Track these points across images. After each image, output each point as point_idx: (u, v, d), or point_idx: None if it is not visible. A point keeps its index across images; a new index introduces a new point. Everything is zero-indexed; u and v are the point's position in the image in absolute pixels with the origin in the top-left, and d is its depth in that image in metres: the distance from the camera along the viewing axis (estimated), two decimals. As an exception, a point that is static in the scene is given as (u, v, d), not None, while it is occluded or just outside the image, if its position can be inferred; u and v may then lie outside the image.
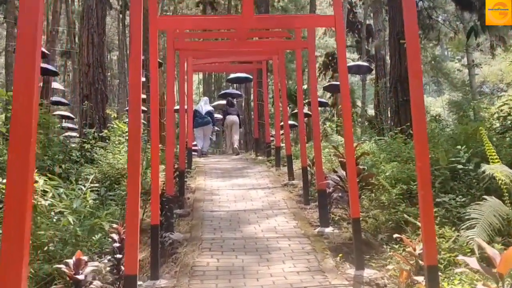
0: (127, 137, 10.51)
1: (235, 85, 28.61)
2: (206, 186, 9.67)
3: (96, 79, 10.82)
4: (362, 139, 11.28)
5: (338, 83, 20.05)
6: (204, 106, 14.11)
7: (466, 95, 12.69)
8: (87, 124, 10.65)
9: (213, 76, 37.08)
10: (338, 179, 6.15)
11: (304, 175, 8.26)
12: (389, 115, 18.69)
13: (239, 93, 21.78)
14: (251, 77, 16.53)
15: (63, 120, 20.56)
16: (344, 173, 6.09)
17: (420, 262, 4.52)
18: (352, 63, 20.92)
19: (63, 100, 17.47)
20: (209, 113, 14.03)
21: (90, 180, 8.30)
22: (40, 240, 4.28)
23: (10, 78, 18.92)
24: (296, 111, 17.91)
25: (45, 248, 4.34)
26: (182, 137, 8.30)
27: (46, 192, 4.70)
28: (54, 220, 4.61)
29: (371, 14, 33.25)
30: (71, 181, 7.83)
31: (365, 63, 19.47)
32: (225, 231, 6.66)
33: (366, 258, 5.50)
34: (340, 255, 5.59)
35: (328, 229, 6.56)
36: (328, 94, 27.17)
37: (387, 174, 7.04)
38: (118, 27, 31.47)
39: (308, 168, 8.59)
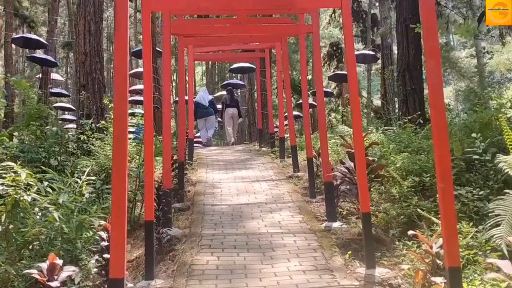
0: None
1: (238, 75, 28.23)
2: (208, 178, 9.31)
3: (93, 69, 10.44)
4: (369, 129, 10.86)
5: (343, 72, 19.67)
6: (205, 96, 13.84)
7: (477, 84, 12.23)
8: (84, 115, 10.29)
9: (216, 67, 36.65)
10: (346, 171, 5.77)
11: (309, 167, 7.88)
12: (396, 105, 18.28)
13: (242, 83, 21.38)
14: (254, 66, 16.14)
15: (66, 112, 20.26)
16: (352, 164, 5.71)
17: (438, 261, 4.15)
18: (357, 52, 20.43)
19: (63, 91, 17.12)
20: (211, 103, 13.77)
21: (86, 173, 8.00)
22: (24, 238, 3.93)
23: (9, 69, 18.58)
24: (300, 101, 17.54)
25: (30, 247, 4.00)
26: (182, 127, 7.92)
27: (31, 186, 4.35)
28: (38, 216, 4.25)
29: (376, 3, 32.74)
30: (67, 174, 7.51)
31: (371, 52, 19.00)
32: (226, 227, 6.30)
33: (377, 256, 5.12)
34: (349, 252, 5.22)
35: (336, 224, 6.18)
36: (333, 85, 26.69)
37: (397, 165, 6.65)
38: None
39: (314, 160, 8.21)
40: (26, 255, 4.01)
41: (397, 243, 5.40)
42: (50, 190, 4.66)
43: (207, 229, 6.17)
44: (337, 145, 10.37)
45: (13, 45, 22.42)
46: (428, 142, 7.61)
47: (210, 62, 35.77)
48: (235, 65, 18.33)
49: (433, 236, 4.27)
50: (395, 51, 22.62)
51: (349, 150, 5.60)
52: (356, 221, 6.09)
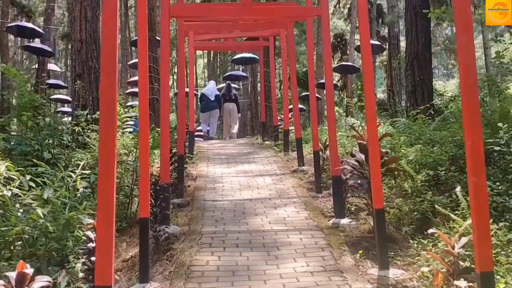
0: (123, 120, 9.85)
1: (240, 67, 27.78)
2: (209, 173, 8.93)
3: (89, 57, 10.03)
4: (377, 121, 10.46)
5: (349, 63, 19.17)
6: (213, 90, 13.66)
7: (484, 75, 11.80)
8: (80, 106, 9.90)
9: (218, 59, 36.17)
10: (357, 164, 5.37)
11: (315, 161, 7.50)
12: (403, 96, 17.83)
13: (245, 74, 20.95)
14: (257, 57, 15.70)
15: (65, 104, 19.85)
16: (363, 157, 5.31)
17: (461, 263, 3.76)
18: (363, 43, 20.00)
19: (60, 82, 16.73)
20: (217, 98, 13.61)
21: (81, 166, 7.64)
22: (5, 238, 3.57)
23: (6, 60, 18.18)
24: (303, 93, 17.12)
25: (12, 247, 3.63)
26: (182, 119, 7.52)
27: (14, 180, 3.97)
28: (20, 213, 3.86)
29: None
30: (60, 168, 7.16)
31: (377, 42, 18.52)
32: (228, 224, 5.92)
33: (390, 255, 4.74)
34: (360, 251, 4.84)
35: (344, 221, 5.80)
36: (336, 77, 26.23)
37: (409, 158, 6.25)
38: (120, 9, 30.47)
39: (320, 153, 7.83)
40: (7, 256, 3.64)
41: (411, 241, 5.03)
42: (34, 185, 4.27)
43: (208, 226, 5.80)
44: (343, 138, 9.99)
45: (13, 37, 22.12)
46: (441, 133, 7.21)
47: (212, 54, 35.32)
48: (237, 56, 17.87)
49: (455, 235, 3.88)
50: (402, 42, 22.17)
51: (361, 142, 5.20)
52: (366, 217, 5.71)
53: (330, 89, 6.40)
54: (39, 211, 3.66)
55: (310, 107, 8.50)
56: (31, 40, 17.85)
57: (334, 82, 21.22)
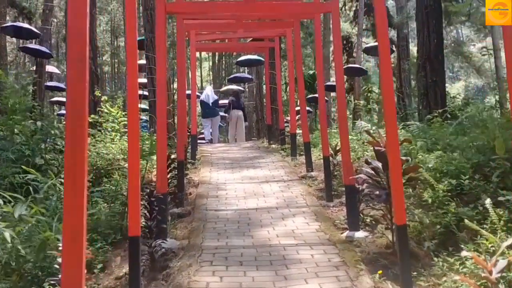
0: (121, 123, 9.39)
1: (246, 69, 27.34)
2: (212, 179, 8.45)
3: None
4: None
5: (356, 66, 18.64)
6: (210, 95, 13.61)
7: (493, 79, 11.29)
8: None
9: (223, 62, 35.73)
10: (373, 172, 4.87)
11: (326, 166, 7.00)
12: (413, 99, 17.32)
13: (250, 77, 20.47)
14: (262, 59, 15.24)
15: (62, 107, 19.43)
16: (379, 165, 4.81)
17: (501, 290, 3.26)
18: (371, 44, 19.50)
19: (60, 85, 16.30)
20: (215, 103, 13.68)
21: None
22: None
23: (3, 62, 17.76)
24: (310, 96, 16.61)
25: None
26: (182, 122, 7.03)
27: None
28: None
29: (388, -4, 31.73)
30: (52, 174, 6.73)
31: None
32: (231, 237, 5.43)
33: (413, 275, 4.22)
34: (379, 272, 4.32)
35: (359, 234, 5.30)
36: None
37: (429, 165, 5.73)
38: (124, 12, 30.09)
39: (330, 158, 7.34)
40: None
41: (435, 258, 4.51)
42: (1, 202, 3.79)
43: (209, 240, 5.30)
44: (353, 142, 9.50)
45: (15, 38, 21.73)
46: (461, 139, 6.70)
47: (217, 57, 34.85)
48: (242, 58, 17.42)
49: (493, 258, 3.37)
50: (411, 43, 21.65)
51: (379, 148, 4.70)
52: (384, 231, 5.20)
53: (341, 90, 5.91)
54: (7, 234, 3.18)
55: (319, 110, 8.01)
56: (33, 41, 17.47)
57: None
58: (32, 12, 19.96)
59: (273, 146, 12.51)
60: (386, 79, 4.23)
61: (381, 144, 4.79)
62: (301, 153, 10.15)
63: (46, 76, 15.86)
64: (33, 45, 16.97)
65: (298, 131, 11.17)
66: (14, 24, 13.58)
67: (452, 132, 7.51)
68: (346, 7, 30.99)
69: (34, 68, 16.46)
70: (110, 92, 32.52)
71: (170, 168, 6.44)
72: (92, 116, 8.57)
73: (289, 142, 10.78)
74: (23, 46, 17.72)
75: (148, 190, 5.00)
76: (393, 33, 29.96)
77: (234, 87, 21.95)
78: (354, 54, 25.00)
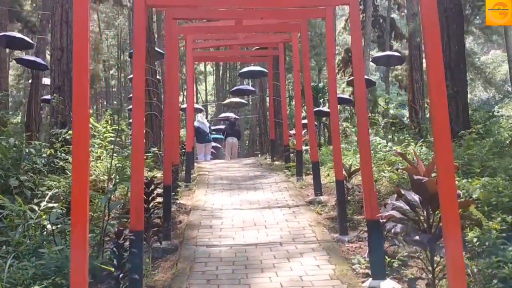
0: (108, 139, 8.33)
1: (250, 81, 26.37)
2: (206, 203, 7.36)
3: (71, 67, 8.54)
4: (406, 141, 8.82)
5: (364, 77, 17.55)
6: (205, 122, 13.95)
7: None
8: (58, 123, 8.39)
9: (227, 75, 34.85)
10: (407, 208, 3.75)
11: (339, 192, 5.89)
12: (426, 111, 16.18)
13: (253, 89, 19.48)
14: (265, 70, 14.20)
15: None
16: (417, 198, 3.69)
17: None
18: (381, 54, 18.48)
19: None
20: (210, 130, 14.34)
21: (47, 198, 6.13)
22: None
23: (3, 74, 16.84)
24: (315, 109, 15.51)
25: None
26: (169, 140, 5.90)
27: None
28: None
29: (394, 7, 30.92)
30: (20, 200, 5.70)
31: (396, 53, 17.01)
32: (224, 285, 4.31)
33: None
34: None
35: (387, 285, 4.16)
36: (347, 92, 24.65)
37: (473, 196, 4.60)
38: (130, 25, 29.15)
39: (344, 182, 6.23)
40: None
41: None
42: None
43: (196, 289, 4.19)
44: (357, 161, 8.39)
45: (6, 50, 20.84)
46: (504, 161, 5.57)
47: (221, 70, 33.91)
48: (245, 69, 16.38)
49: None
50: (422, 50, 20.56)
51: (418, 177, 3.57)
52: (418, 281, 4.05)
53: (361, 103, 4.80)
54: None
55: (331, 124, 6.92)
56: (32, 53, 16.56)
57: (346, 96, 19.65)
58: (37, 26, 19.15)
59: (277, 163, 11.43)
60: (438, 88, 3.15)
61: (420, 171, 3.68)
62: (308, 172, 9.07)
63: (41, 88, 14.88)
64: (29, 56, 16.10)
65: (305, 147, 10.09)
66: (6, 33, 12.62)
67: (487, 151, 6.39)
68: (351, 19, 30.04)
69: (30, 81, 15.56)
70: (116, 105, 31.67)
71: (152, 196, 5.33)
72: (71, 132, 7.54)
73: (294, 160, 9.70)
74: (18, 58, 16.85)
75: (116, 229, 3.89)
76: (397, 45, 29.14)
77: (237, 99, 20.98)
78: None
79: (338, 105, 20.29)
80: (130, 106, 18.74)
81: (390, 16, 28.47)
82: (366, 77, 18.11)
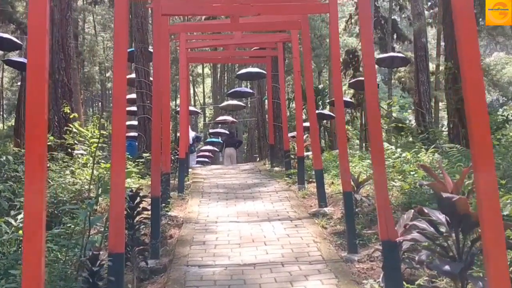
0: (94, 145, 7.74)
1: (248, 83, 25.81)
2: (200, 215, 6.77)
3: (56, 68, 8.00)
4: (416, 147, 8.25)
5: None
6: (190, 135, 13.54)
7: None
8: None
9: (225, 78, 34.26)
10: (432, 230, 3.16)
11: (347, 206, 5.30)
12: (433, 114, 15.63)
13: (251, 91, 18.91)
14: (264, 72, 13.61)
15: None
16: (443, 219, 3.11)
17: None
18: (384, 55, 17.88)
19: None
20: (193, 140, 14.20)
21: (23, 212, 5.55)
22: None
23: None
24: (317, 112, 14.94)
25: None
26: (157, 146, 5.30)
27: None
28: None
29: (396, 8, 30.42)
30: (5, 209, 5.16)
31: (400, 54, 16.45)
32: (217, 317, 3.72)
33: None
34: None
35: (406, 317, 3.57)
36: (349, 95, 24.13)
37: (504, 213, 4.01)
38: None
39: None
40: None
41: None
42: None
43: (184, 325, 3.60)
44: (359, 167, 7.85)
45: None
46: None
47: (218, 73, 33.29)
48: (243, 71, 15.80)
49: None
50: (430, 50, 20.00)
51: (448, 195, 2.98)
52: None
53: (373, 103, 4.21)
54: None
55: (337, 128, 6.33)
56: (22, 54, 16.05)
57: (347, 99, 19.06)
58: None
59: (276, 169, 10.86)
60: (476, 97, 2.57)
61: (448, 187, 3.10)
62: (310, 180, 8.49)
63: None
64: (17, 57, 15.57)
65: (306, 152, 9.53)
66: (-7, 34, 12.11)
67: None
68: (352, 21, 29.68)
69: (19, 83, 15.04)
70: (112, 109, 30.96)
71: (138, 210, 4.74)
72: (51, 138, 6.97)
73: (295, 166, 9.12)
74: (6, 59, 16.29)
75: (90, 253, 3.30)
76: (398, 47, 28.63)
77: (234, 102, 20.40)
78: (361, 69, 23.57)
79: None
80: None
81: (391, 17, 28.05)
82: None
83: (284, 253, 5.13)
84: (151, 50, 12.73)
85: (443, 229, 3.22)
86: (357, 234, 5.33)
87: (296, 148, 9.36)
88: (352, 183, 5.75)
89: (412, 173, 6.26)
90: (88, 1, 26.57)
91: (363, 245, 5.22)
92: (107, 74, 33.04)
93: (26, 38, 18.67)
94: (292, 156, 10.02)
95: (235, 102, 20.12)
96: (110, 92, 34.73)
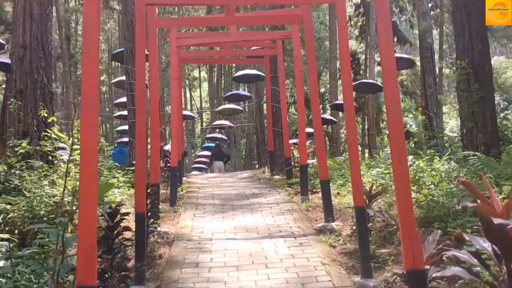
0: (77, 152, 7.08)
1: (246, 86, 25.18)
2: (194, 230, 6.10)
3: (35, 67, 7.33)
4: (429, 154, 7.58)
5: (370, 81, 16.36)
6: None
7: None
8: (20, 133, 7.13)
9: (222, 82, 33.60)
10: (476, 260, 2.50)
11: (360, 223, 4.64)
12: (440, 119, 14.98)
13: (248, 94, 18.23)
14: (262, 74, 12.92)
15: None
16: (490, 247, 2.44)
17: None
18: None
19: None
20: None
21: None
22: None
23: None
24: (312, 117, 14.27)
25: None
26: (141, 155, 4.61)
27: None
28: None
29: (396, 10, 29.89)
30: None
31: (405, 56, 15.80)
32: None
33: None
34: None
35: None
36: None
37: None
38: (119, 30, 27.97)
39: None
40: None
41: None
42: None
43: None
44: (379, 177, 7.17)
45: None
46: None
47: (215, 76, 32.61)
48: (240, 73, 15.10)
49: None
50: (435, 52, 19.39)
51: (500, 222, 2.32)
52: None
53: (393, 97, 3.53)
54: None
55: (348, 138, 5.64)
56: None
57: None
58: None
59: (277, 177, 10.19)
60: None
61: (497, 210, 2.43)
62: (314, 190, 7.83)
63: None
64: (2, 59, 14.84)
65: (310, 160, 8.85)
66: (-26, 35, 11.43)
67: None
68: (352, 22, 29.13)
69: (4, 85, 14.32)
70: (107, 113, 30.33)
71: (118, 230, 4.06)
72: (24, 145, 6.31)
73: (297, 175, 8.45)
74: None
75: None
76: (398, 48, 28.07)
77: (232, 106, 19.70)
78: (368, 69, 23.10)
79: (340, 112, 19.14)
80: (118, 113, 17.53)
81: (392, 19, 27.58)
82: (372, 81, 17.01)
83: (289, 278, 4.45)
84: (147, 53, 12.10)
85: (490, 261, 2.54)
86: (371, 255, 4.66)
87: (297, 155, 8.69)
88: (364, 197, 5.08)
89: (432, 186, 5.59)
90: (80, 2, 25.89)
91: (378, 268, 4.54)
92: (102, 78, 32.40)
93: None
94: (296, 165, 9.33)
95: (232, 106, 19.40)
96: (104, 95, 34.07)
